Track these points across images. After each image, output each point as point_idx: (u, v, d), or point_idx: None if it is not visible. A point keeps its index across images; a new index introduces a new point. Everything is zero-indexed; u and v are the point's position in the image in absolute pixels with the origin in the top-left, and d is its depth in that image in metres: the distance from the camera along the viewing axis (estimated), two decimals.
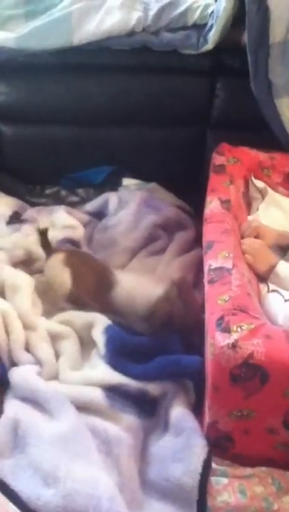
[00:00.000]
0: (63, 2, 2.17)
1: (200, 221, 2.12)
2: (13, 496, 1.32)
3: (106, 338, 1.65)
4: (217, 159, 2.09)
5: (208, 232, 1.75)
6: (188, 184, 2.34)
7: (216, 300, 1.42)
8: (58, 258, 1.86)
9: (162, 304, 1.67)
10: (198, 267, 1.97)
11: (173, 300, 1.67)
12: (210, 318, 1.37)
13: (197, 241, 2.12)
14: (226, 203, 1.86)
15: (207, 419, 1.41)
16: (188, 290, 1.75)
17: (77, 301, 1.81)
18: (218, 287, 1.47)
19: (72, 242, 2.09)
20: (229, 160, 2.09)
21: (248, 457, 1.42)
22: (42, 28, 2.10)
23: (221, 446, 1.42)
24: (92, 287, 1.80)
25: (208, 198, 1.91)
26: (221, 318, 1.33)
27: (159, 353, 1.62)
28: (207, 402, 1.41)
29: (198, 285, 1.90)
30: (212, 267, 1.56)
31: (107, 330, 1.68)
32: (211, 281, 1.51)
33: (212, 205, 1.86)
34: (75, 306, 1.81)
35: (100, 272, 1.84)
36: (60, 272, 1.83)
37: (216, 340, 1.28)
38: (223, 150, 2.13)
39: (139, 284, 1.78)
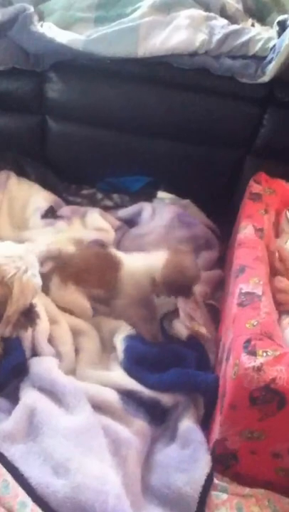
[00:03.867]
0: (134, 14, 2.23)
1: (225, 244, 2.22)
2: (22, 481, 1.37)
3: (125, 346, 1.73)
4: (254, 187, 2.15)
5: (241, 257, 1.80)
6: (218, 206, 2.41)
7: (244, 323, 1.47)
8: (55, 285, 1.86)
9: (166, 271, 1.81)
10: (217, 285, 2.09)
11: (175, 264, 1.82)
12: (237, 340, 1.42)
13: (219, 261, 2.22)
14: (259, 231, 1.91)
15: (217, 435, 1.46)
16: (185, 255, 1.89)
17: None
18: (247, 311, 1.52)
19: (102, 245, 2.16)
20: (265, 190, 2.15)
21: (248, 477, 1.48)
22: (110, 35, 2.16)
23: (225, 463, 1.48)
24: (98, 273, 1.87)
25: (243, 224, 1.96)
26: (248, 341, 1.38)
27: (174, 364, 1.69)
28: (219, 419, 1.45)
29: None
30: (243, 291, 1.61)
31: (127, 338, 1.76)
32: (240, 304, 1.56)
33: (246, 230, 1.92)
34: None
35: (102, 256, 1.92)
36: (73, 301, 1.86)
37: (241, 362, 1.33)
38: (261, 179, 2.19)
39: (142, 259, 1.89)
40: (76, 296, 1.85)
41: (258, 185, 2.16)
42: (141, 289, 1.86)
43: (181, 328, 1.86)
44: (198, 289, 1.96)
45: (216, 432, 1.48)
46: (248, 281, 1.65)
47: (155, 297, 1.90)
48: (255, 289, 1.61)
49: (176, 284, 1.82)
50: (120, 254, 1.92)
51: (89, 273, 1.86)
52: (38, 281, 1.63)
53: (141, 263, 1.88)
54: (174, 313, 1.92)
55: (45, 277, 1.83)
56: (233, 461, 1.47)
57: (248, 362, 1.32)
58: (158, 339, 1.85)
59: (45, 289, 1.82)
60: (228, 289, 1.89)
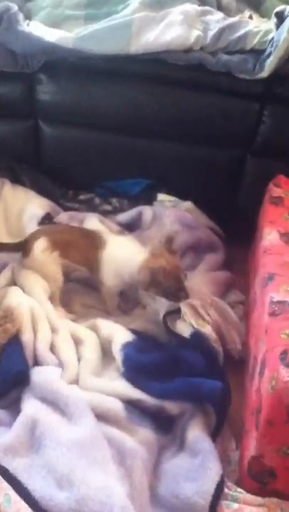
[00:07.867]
0: (125, 10, 2.22)
1: (229, 244, 2.26)
2: (25, 495, 1.39)
3: (123, 357, 1.74)
4: (274, 191, 2.13)
5: (267, 264, 1.80)
6: (221, 207, 2.41)
7: (278, 333, 1.46)
8: (41, 247, 1.96)
9: (147, 265, 1.85)
10: (225, 286, 2.12)
11: (157, 260, 1.85)
12: (272, 352, 1.42)
13: (225, 264, 2.24)
14: (285, 236, 1.91)
15: (252, 451, 1.47)
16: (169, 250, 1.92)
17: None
18: (280, 321, 1.51)
19: None
20: (286, 193, 2.13)
21: (287, 493, 1.48)
22: (101, 32, 2.14)
23: (262, 481, 1.49)
24: (83, 250, 1.99)
25: (267, 230, 1.95)
26: (285, 352, 1.37)
27: (176, 369, 1.71)
28: (255, 435, 1.46)
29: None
30: (274, 300, 1.60)
31: (124, 348, 1.76)
32: (272, 314, 1.55)
33: (271, 236, 1.91)
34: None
35: (89, 234, 2.05)
36: (49, 267, 1.97)
37: (280, 375, 1.33)
38: (280, 182, 2.17)
39: (125, 248, 1.98)
40: (55, 265, 1.97)
41: (278, 188, 2.14)
42: (120, 278, 1.95)
43: (183, 326, 1.86)
44: (205, 289, 2.01)
45: (251, 449, 1.48)
46: (278, 290, 1.63)
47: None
48: (286, 297, 1.59)
49: (155, 289, 1.87)
50: (107, 235, 2.05)
51: (74, 248, 1.99)
52: None
53: (122, 253, 1.96)
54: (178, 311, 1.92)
55: (32, 237, 1.98)
56: (270, 478, 1.47)
57: (286, 375, 1.32)
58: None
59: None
60: (253, 298, 1.88)
